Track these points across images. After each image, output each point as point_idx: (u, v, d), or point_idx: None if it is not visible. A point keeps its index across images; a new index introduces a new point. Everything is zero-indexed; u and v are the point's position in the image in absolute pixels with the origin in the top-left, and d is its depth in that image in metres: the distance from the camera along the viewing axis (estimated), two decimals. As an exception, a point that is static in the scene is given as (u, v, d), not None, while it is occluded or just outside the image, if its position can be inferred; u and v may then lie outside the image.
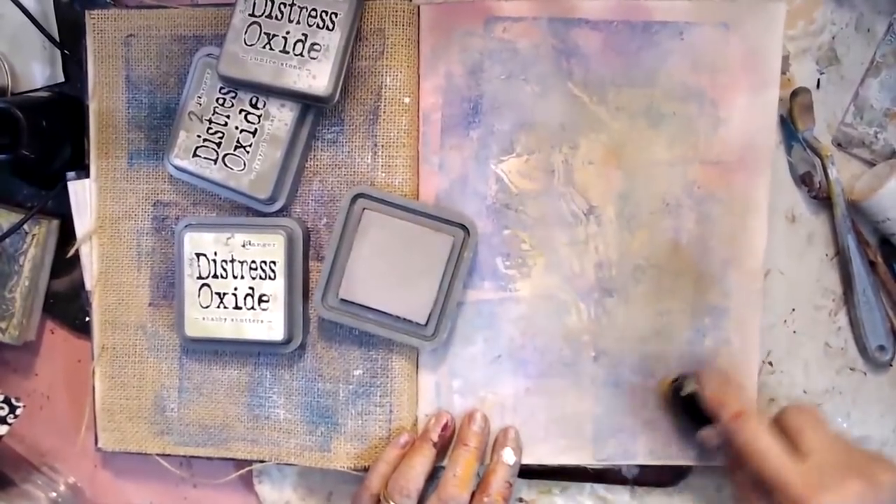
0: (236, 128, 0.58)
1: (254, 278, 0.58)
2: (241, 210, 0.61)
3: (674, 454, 0.60)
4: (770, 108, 0.58)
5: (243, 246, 0.58)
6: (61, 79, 0.66)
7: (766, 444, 0.50)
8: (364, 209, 0.58)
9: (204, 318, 0.59)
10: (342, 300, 0.58)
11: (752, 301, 0.59)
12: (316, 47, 0.55)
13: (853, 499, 0.46)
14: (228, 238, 0.59)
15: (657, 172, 0.59)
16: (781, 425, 0.52)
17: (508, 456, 0.57)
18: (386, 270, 0.57)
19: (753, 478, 0.51)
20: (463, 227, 0.57)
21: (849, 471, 0.48)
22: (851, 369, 0.62)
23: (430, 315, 0.57)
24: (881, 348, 0.60)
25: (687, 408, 0.57)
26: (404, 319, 0.58)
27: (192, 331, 0.59)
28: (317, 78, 0.55)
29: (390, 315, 0.58)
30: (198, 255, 0.59)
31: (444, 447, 0.58)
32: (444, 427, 0.58)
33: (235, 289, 0.59)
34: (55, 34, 0.65)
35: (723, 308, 0.59)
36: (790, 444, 0.50)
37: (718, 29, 0.58)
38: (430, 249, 0.57)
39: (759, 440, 0.50)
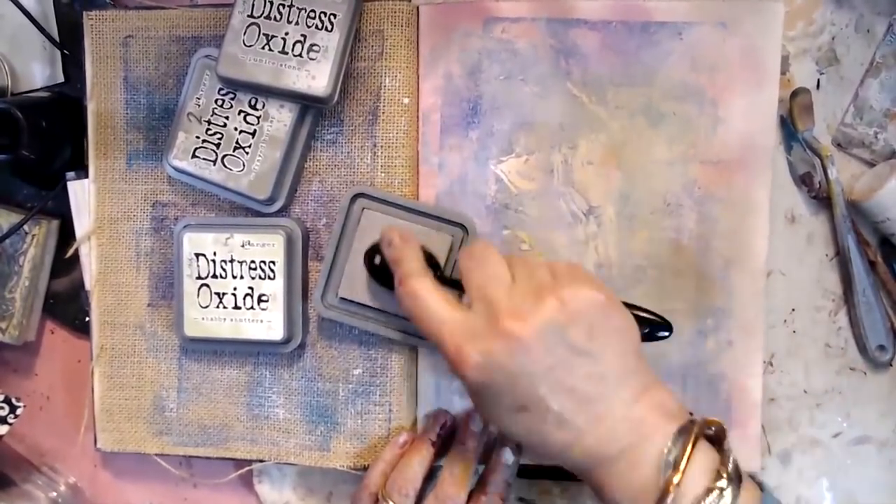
0: (235, 129, 0.58)
1: (253, 278, 0.58)
2: (240, 210, 0.61)
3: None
4: (769, 108, 0.58)
5: (242, 246, 0.58)
6: (61, 79, 0.66)
7: (424, 304, 0.48)
8: (364, 209, 0.58)
9: (203, 318, 0.59)
10: (342, 299, 0.58)
11: (755, 301, 0.59)
12: (315, 48, 0.55)
13: (505, 342, 0.44)
14: (227, 238, 0.59)
15: (657, 172, 0.59)
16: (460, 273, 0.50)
17: (507, 456, 0.57)
18: (386, 269, 0.57)
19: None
20: (462, 226, 0.57)
21: (499, 312, 0.45)
22: (851, 369, 0.61)
23: None
24: (881, 348, 0.60)
25: (379, 277, 0.57)
26: (404, 318, 0.58)
27: (191, 331, 0.59)
28: (316, 78, 0.55)
29: (390, 314, 0.58)
30: (197, 255, 0.59)
31: (442, 446, 0.58)
32: (443, 426, 0.58)
33: (235, 289, 0.59)
34: (55, 34, 0.65)
35: (725, 309, 0.59)
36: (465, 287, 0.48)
37: (717, 29, 0.58)
38: (429, 248, 0.57)
39: (419, 301, 0.49)
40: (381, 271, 0.56)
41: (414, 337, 0.58)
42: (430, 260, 0.55)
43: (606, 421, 0.44)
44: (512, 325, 0.44)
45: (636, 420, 0.45)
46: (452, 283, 0.53)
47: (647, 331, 0.50)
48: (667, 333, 0.52)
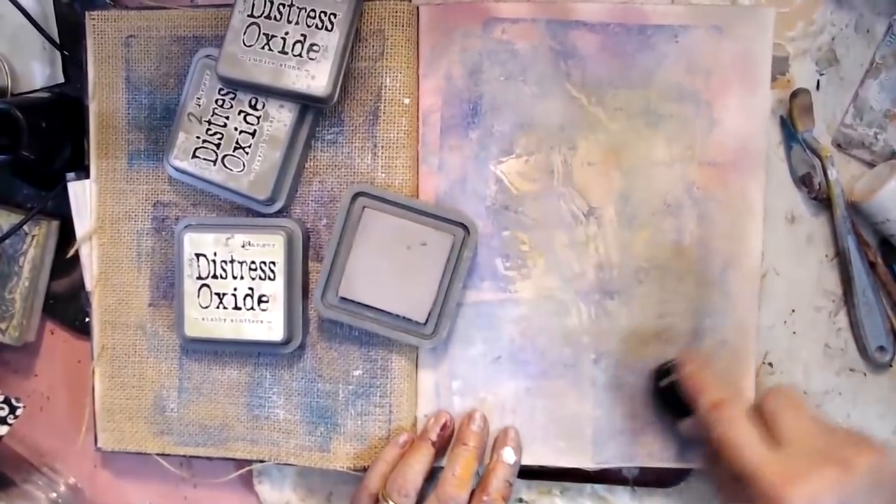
0: (235, 129, 0.58)
1: (253, 279, 0.58)
2: (240, 211, 0.61)
3: (673, 457, 0.59)
4: (761, 111, 0.58)
5: (243, 246, 0.58)
6: (61, 79, 0.66)
7: (741, 434, 0.48)
8: (364, 207, 0.58)
9: (203, 319, 0.59)
10: (342, 299, 0.58)
11: (750, 302, 0.59)
12: (315, 48, 0.55)
13: (827, 488, 0.44)
14: (228, 238, 0.59)
15: (656, 173, 0.59)
16: (761, 411, 0.50)
17: (509, 455, 0.57)
18: (386, 269, 0.57)
19: (731, 471, 0.49)
20: (463, 226, 0.57)
21: (824, 458, 0.46)
22: (851, 370, 0.62)
23: (429, 313, 0.57)
24: (881, 349, 0.60)
25: (668, 399, 0.56)
26: (404, 318, 0.58)
27: (191, 331, 0.59)
28: (316, 78, 0.55)
29: (390, 314, 0.58)
30: (197, 255, 0.59)
31: (442, 447, 0.58)
32: (443, 427, 0.58)
33: (235, 289, 0.59)
34: (55, 35, 0.65)
35: (722, 310, 0.59)
36: (768, 431, 0.48)
37: (711, 32, 0.58)
38: (430, 248, 0.57)
39: (735, 430, 0.48)
40: (669, 393, 0.56)
41: (414, 336, 0.58)
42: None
43: None
44: (839, 475, 0.44)
45: None
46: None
47: None
48: None
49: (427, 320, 0.57)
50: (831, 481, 0.44)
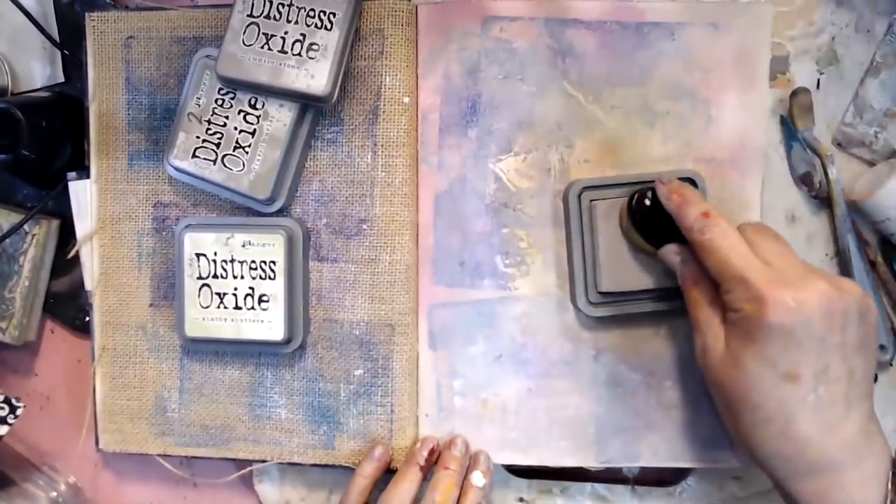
0: (235, 128, 0.58)
1: (254, 278, 0.58)
2: (241, 210, 0.61)
3: (678, 455, 0.59)
4: (759, 108, 0.58)
5: (243, 246, 0.58)
6: (61, 79, 0.66)
7: (731, 237, 0.48)
8: (591, 201, 0.57)
9: (204, 319, 0.59)
10: (602, 293, 0.57)
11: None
12: (314, 47, 0.55)
13: (815, 297, 0.44)
14: (228, 238, 0.59)
15: (654, 170, 0.59)
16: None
17: (478, 479, 0.58)
18: (632, 250, 0.56)
19: (712, 289, 0.50)
20: (688, 179, 0.56)
21: (813, 274, 0.46)
22: (852, 369, 0.61)
23: None
24: (882, 348, 0.60)
25: (646, 227, 0.54)
26: (664, 289, 0.57)
27: (192, 331, 0.59)
28: (315, 77, 0.55)
29: (653, 290, 0.57)
30: (198, 255, 0.59)
31: (429, 470, 0.59)
32: (431, 452, 0.59)
33: (235, 289, 0.59)
34: (55, 34, 0.65)
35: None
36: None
37: (708, 30, 0.58)
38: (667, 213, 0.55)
39: (725, 235, 0.48)
40: (646, 219, 0.54)
41: (681, 301, 0.56)
42: None
43: (848, 427, 0.46)
44: (828, 288, 0.45)
45: (870, 435, 0.46)
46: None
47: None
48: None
49: None
50: (821, 293, 0.45)
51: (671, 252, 0.53)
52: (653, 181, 0.55)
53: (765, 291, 0.45)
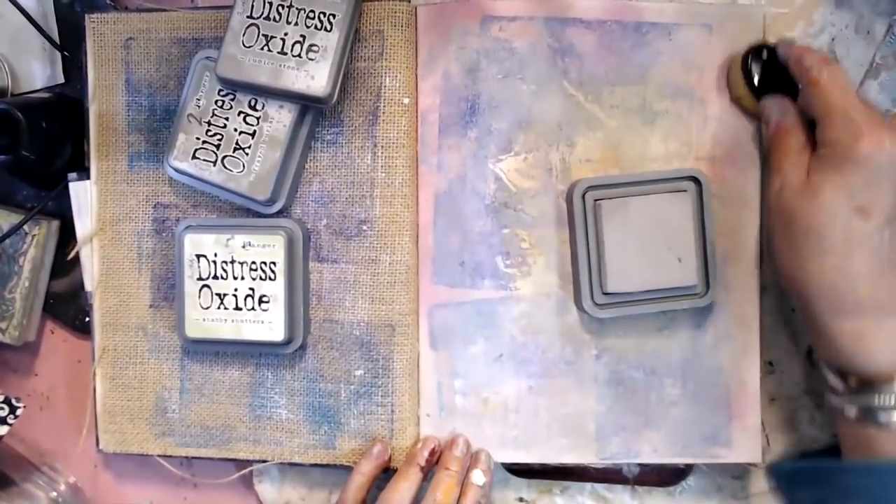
0: (235, 129, 0.58)
1: (254, 279, 0.59)
2: (241, 211, 0.61)
3: (678, 452, 0.59)
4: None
5: (243, 247, 0.58)
6: (61, 80, 0.66)
7: (845, 83, 0.50)
8: (595, 201, 0.57)
9: (204, 319, 0.59)
10: (608, 294, 0.57)
11: (750, 294, 0.59)
12: (314, 48, 0.55)
13: None
14: (228, 239, 0.59)
15: (654, 169, 0.59)
16: None
17: (478, 477, 0.58)
18: (640, 250, 0.56)
19: (804, 137, 0.52)
20: (691, 178, 0.57)
21: None
22: (851, 369, 0.62)
23: (697, 273, 0.57)
24: (881, 348, 0.60)
25: (759, 78, 0.56)
26: (672, 289, 0.57)
27: (192, 332, 0.60)
28: (315, 79, 0.55)
29: (660, 290, 0.57)
30: (198, 256, 0.59)
31: (430, 470, 0.59)
32: (432, 453, 0.59)
33: (236, 290, 0.59)
34: (55, 35, 0.65)
35: (723, 303, 0.59)
36: None
37: (703, 30, 0.59)
38: (672, 213, 0.56)
39: (841, 79, 0.50)
40: (759, 70, 0.56)
41: (688, 300, 0.57)
42: None
43: None
44: None
45: None
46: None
47: None
48: None
49: (698, 281, 0.57)
50: None
51: (775, 102, 0.55)
52: (659, 180, 0.56)
53: (866, 128, 0.47)
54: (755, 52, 0.56)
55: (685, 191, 0.57)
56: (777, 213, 0.52)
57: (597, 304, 0.58)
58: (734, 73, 0.57)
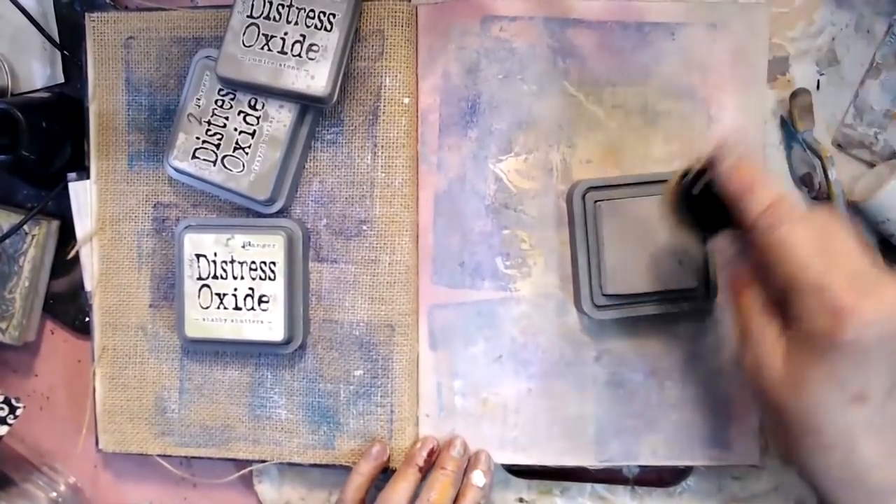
0: (235, 129, 0.58)
1: (254, 279, 0.58)
2: (241, 211, 0.61)
3: (677, 454, 0.59)
4: (757, 108, 0.59)
5: (243, 247, 0.58)
6: (61, 80, 0.66)
7: (808, 238, 0.41)
8: (595, 202, 0.57)
9: (204, 319, 0.59)
10: (608, 296, 0.57)
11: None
12: (314, 48, 0.55)
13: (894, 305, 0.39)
14: (228, 239, 0.59)
15: (655, 170, 0.59)
16: None
17: (478, 478, 0.58)
18: (640, 251, 0.56)
19: (767, 294, 0.44)
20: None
21: (885, 276, 0.40)
22: (851, 370, 0.61)
23: (697, 276, 0.56)
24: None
25: (699, 209, 0.48)
26: (672, 291, 0.56)
27: (192, 332, 0.59)
28: (315, 78, 0.55)
29: (660, 292, 0.56)
30: (198, 256, 0.59)
31: (428, 471, 0.59)
32: (431, 453, 0.59)
33: (235, 289, 0.59)
34: (55, 35, 0.65)
35: (723, 305, 0.59)
36: None
37: (707, 30, 0.58)
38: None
39: (798, 232, 0.41)
40: (701, 202, 0.47)
41: (689, 303, 0.57)
42: None
43: None
44: None
45: None
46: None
47: None
48: None
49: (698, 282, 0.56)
50: None
51: (725, 244, 0.47)
52: (659, 181, 0.54)
53: (844, 303, 0.39)
54: (698, 171, 0.48)
55: None
56: (761, 400, 0.44)
57: (596, 306, 0.57)
58: (668, 199, 0.50)
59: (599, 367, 0.60)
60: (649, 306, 0.57)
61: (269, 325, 0.58)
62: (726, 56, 0.58)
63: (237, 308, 0.59)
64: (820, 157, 0.59)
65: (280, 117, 0.57)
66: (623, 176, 0.58)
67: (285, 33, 0.56)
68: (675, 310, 0.57)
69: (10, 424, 0.64)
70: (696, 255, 0.56)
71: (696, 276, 0.56)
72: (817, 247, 0.41)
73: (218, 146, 0.58)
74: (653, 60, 0.59)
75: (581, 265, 0.57)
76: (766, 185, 0.43)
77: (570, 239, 0.59)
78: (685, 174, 0.48)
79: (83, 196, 0.64)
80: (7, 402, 0.64)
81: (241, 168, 0.58)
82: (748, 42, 0.58)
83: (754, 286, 0.45)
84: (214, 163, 0.58)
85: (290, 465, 0.63)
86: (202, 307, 0.59)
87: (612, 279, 0.56)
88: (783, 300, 0.42)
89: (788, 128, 0.60)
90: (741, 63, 0.58)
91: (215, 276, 0.59)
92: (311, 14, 0.56)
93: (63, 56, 0.66)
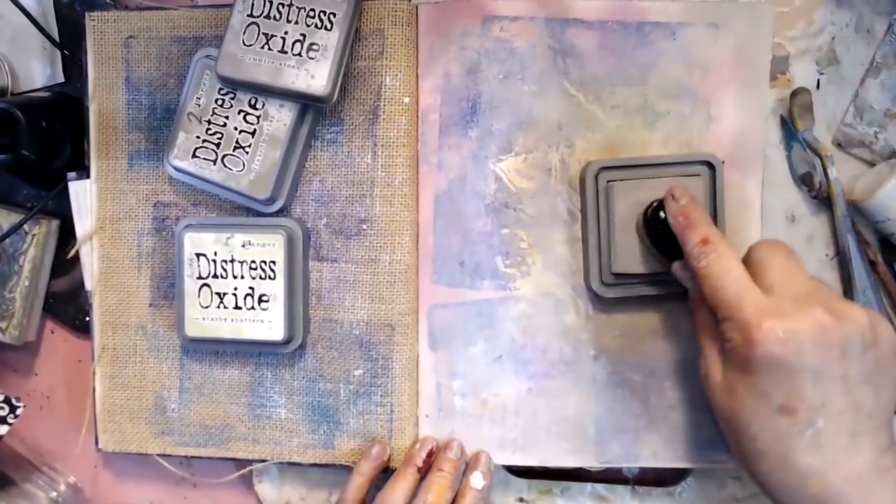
0: (235, 128, 0.58)
1: (254, 278, 0.58)
2: (241, 210, 0.61)
3: (678, 456, 0.59)
4: (759, 107, 0.59)
5: (243, 246, 0.58)
6: (61, 79, 0.66)
7: (727, 266, 0.47)
8: (608, 182, 0.57)
9: (204, 319, 0.59)
10: (617, 275, 0.57)
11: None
12: (314, 47, 0.55)
13: (808, 328, 0.43)
14: (228, 238, 0.59)
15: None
16: (749, 259, 0.49)
17: (477, 480, 0.58)
18: (666, 230, 0.55)
19: (712, 312, 0.48)
20: (706, 163, 0.56)
21: (812, 302, 0.44)
22: (852, 369, 0.61)
23: None
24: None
25: (661, 239, 0.54)
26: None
27: (192, 331, 0.59)
28: (315, 77, 0.55)
29: (668, 273, 0.56)
30: (198, 255, 0.59)
31: (427, 471, 0.59)
32: (430, 454, 0.59)
33: (235, 289, 0.59)
34: (55, 35, 0.65)
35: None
36: (756, 279, 0.47)
37: (709, 29, 0.58)
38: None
39: (722, 262, 0.47)
40: (660, 232, 0.54)
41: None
42: None
43: (856, 461, 0.43)
44: (824, 317, 0.43)
45: (883, 469, 0.44)
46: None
47: None
48: None
49: None
50: (815, 322, 0.43)
51: (680, 268, 0.53)
52: (672, 164, 0.55)
53: (753, 322, 0.44)
54: (657, 206, 0.54)
55: (698, 175, 0.56)
56: (712, 404, 0.49)
57: (604, 284, 0.58)
58: (639, 227, 0.56)
59: (599, 366, 0.60)
60: (656, 286, 0.57)
61: (268, 325, 0.58)
62: (728, 56, 0.58)
63: (237, 307, 0.59)
64: (820, 157, 0.59)
65: (280, 116, 0.57)
66: (636, 157, 0.58)
67: (285, 32, 0.56)
68: (682, 290, 0.57)
69: (10, 424, 0.64)
70: None
71: None
72: (738, 274, 0.46)
73: (218, 145, 0.58)
74: (653, 60, 0.59)
75: (591, 244, 0.58)
76: (699, 225, 0.50)
77: (581, 217, 0.59)
78: (649, 207, 0.55)
79: (83, 195, 0.64)
80: (7, 401, 0.64)
81: (242, 167, 0.58)
82: (751, 41, 0.58)
83: (706, 306, 0.49)
84: (214, 162, 0.58)
85: (290, 464, 0.63)
86: (202, 306, 0.59)
87: (620, 258, 0.57)
88: (715, 320, 0.48)
89: (788, 127, 0.60)
90: (743, 63, 0.58)
91: (215, 276, 0.59)
92: (312, 13, 0.56)
93: (63, 55, 0.66)
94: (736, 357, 0.45)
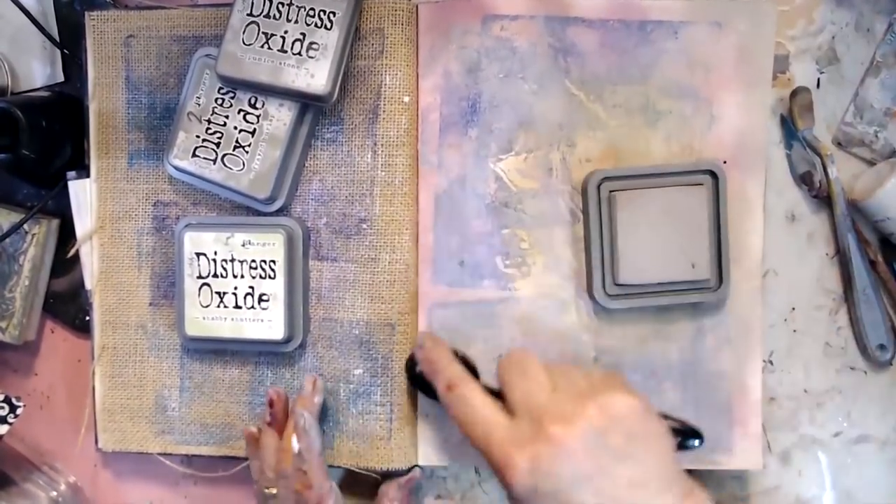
0: (235, 128, 0.58)
1: (254, 277, 0.58)
2: (241, 210, 0.61)
3: (677, 457, 0.59)
4: (762, 106, 0.59)
5: (243, 245, 0.58)
6: (61, 78, 0.66)
7: (473, 410, 0.48)
8: (610, 192, 0.57)
9: (204, 318, 0.59)
10: (621, 285, 0.57)
11: (752, 299, 0.59)
12: (314, 46, 0.55)
13: (548, 443, 0.43)
14: (228, 237, 0.59)
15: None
16: (499, 380, 0.50)
17: (293, 443, 0.56)
18: (654, 242, 0.56)
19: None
20: (709, 172, 0.57)
21: (543, 416, 0.45)
22: (852, 368, 0.62)
23: (710, 267, 0.57)
24: (881, 347, 0.60)
25: (424, 387, 0.56)
26: (686, 282, 0.57)
27: (192, 330, 0.60)
28: (315, 77, 0.55)
29: (672, 283, 0.57)
30: (198, 254, 0.59)
31: (282, 420, 0.59)
32: (271, 405, 0.59)
33: (235, 288, 0.59)
34: (55, 34, 0.65)
35: (724, 307, 0.59)
36: (505, 399, 0.48)
37: (711, 28, 0.58)
38: (687, 205, 0.56)
39: (467, 407, 0.49)
40: (421, 378, 0.55)
41: (699, 294, 0.57)
42: (472, 370, 0.54)
43: None
44: (556, 430, 0.44)
45: None
46: (492, 391, 0.51)
47: (679, 440, 0.50)
48: (697, 443, 0.52)
49: (710, 275, 0.57)
50: (549, 438, 0.44)
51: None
52: (675, 173, 0.56)
53: (501, 462, 0.45)
54: (412, 359, 0.57)
55: (701, 184, 0.56)
56: None
57: (609, 295, 0.58)
58: (406, 374, 0.59)
59: (599, 367, 0.60)
60: (661, 296, 0.57)
61: (269, 324, 0.58)
62: (730, 55, 0.58)
63: (237, 306, 0.59)
64: (820, 156, 0.59)
65: (280, 116, 0.57)
66: (638, 167, 0.58)
67: (285, 32, 0.56)
68: (688, 301, 0.57)
69: (10, 423, 0.64)
70: (710, 248, 0.56)
71: (709, 268, 0.56)
72: (489, 409, 0.48)
73: (218, 145, 0.58)
74: (655, 59, 0.59)
75: (594, 254, 0.58)
76: (443, 370, 0.52)
77: (583, 228, 0.59)
78: (410, 358, 0.58)
79: (83, 195, 0.64)
80: (7, 401, 0.64)
81: (241, 166, 0.58)
82: (753, 40, 0.58)
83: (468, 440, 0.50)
84: (214, 161, 0.58)
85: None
86: (202, 306, 0.59)
87: (625, 268, 0.57)
88: None
89: (788, 126, 0.60)
90: (745, 62, 0.58)
91: (215, 275, 0.59)
92: (312, 12, 0.56)
93: (63, 55, 0.66)
94: (509, 494, 0.45)
